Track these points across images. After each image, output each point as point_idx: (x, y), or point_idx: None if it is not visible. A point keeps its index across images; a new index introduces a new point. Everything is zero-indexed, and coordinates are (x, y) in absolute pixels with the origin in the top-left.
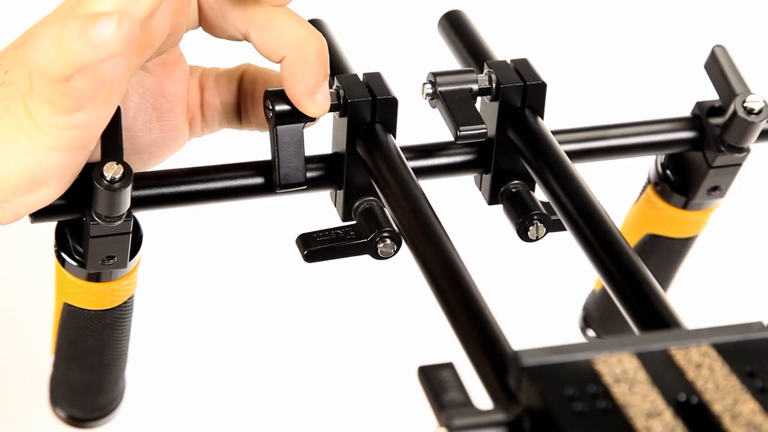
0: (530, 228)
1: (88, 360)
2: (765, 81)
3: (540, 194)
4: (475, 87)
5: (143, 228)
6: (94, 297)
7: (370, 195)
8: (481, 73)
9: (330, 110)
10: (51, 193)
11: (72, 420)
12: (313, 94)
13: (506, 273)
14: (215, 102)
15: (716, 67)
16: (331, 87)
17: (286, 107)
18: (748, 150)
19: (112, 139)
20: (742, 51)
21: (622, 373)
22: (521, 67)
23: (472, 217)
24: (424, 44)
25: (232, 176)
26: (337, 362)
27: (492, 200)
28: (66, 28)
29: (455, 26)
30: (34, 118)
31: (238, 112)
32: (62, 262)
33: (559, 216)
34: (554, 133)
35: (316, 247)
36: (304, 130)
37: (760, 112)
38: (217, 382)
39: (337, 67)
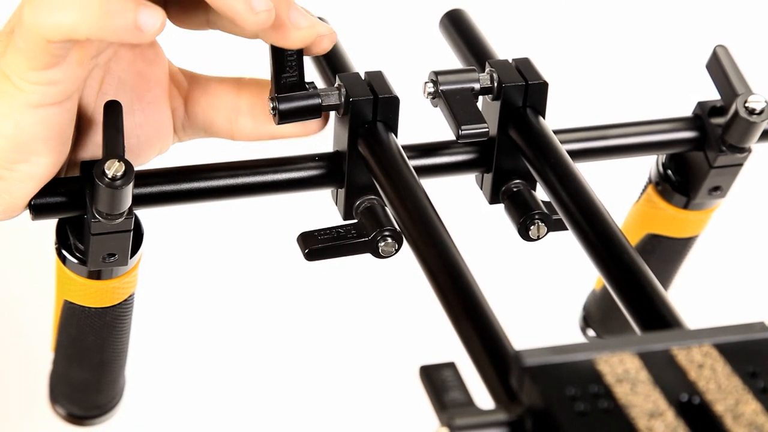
0: (531, 227)
1: (88, 357)
2: (766, 81)
3: (541, 193)
4: (476, 86)
5: (144, 226)
6: (94, 294)
7: (372, 194)
8: (483, 72)
9: (331, 109)
10: (43, 161)
11: (71, 417)
12: (250, 5)
13: (507, 273)
14: (200, 100)
15: (718, 67)
16: (333, 85)
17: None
18: (749, 150)
19: (113, 137)
20: (744, 51)
21: (624, 373)
22: (523, 67)
23: (473, 217)
24: (425, 43)
25: (232, 174)
26: (338, 362)
27: (493, 199)
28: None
29: (457, 25)
30: (8, 77)
31: (228, 122)
32: (63, 259)
33: (561, 215)
34: (556, 132)
35: (317, 245)
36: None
37: (761, 112)
38: (217, 381)
39: (339, 65)
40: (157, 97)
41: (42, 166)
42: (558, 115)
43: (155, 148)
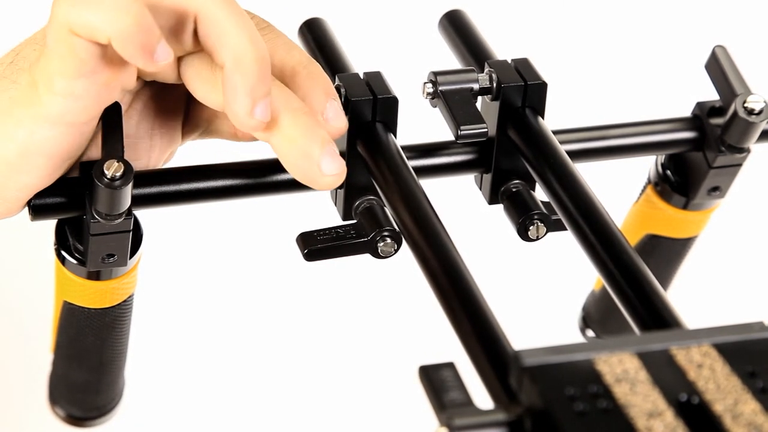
0: (531, 228)
1: (88, 358)
2: (766, 81)
3: (540, 194)
4: (475, 86)
5: (143, 226)
6: (93, 295)
7: (371, 194)
8: (482, 72)
9: None
10: (40, 175)
11: (71, 419)
12: (252, 112)
13: (506, 273)
14: (198, 111)
15: (717, 67)
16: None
17: None
18: (748, 150)
19: (112, 137)
20: (743, 51)
21: (623, 373)
22: (522, 67)
23: (472, 217)
24: (424, 43)
25: (232, 175)
26: (337, 362)
27: (492, 200)
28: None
29: (456, 25)
30: (36, 84)
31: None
32: (62, 260)
33: (560, 216)
34: (555, 132)
35: (317, 246)
36: None
37: (760, 112)
38: (217, 382)
39: (337, 66)
40: (177, 123)
41: (39, 179)
42: (557, 116)
43: (159, 164)
